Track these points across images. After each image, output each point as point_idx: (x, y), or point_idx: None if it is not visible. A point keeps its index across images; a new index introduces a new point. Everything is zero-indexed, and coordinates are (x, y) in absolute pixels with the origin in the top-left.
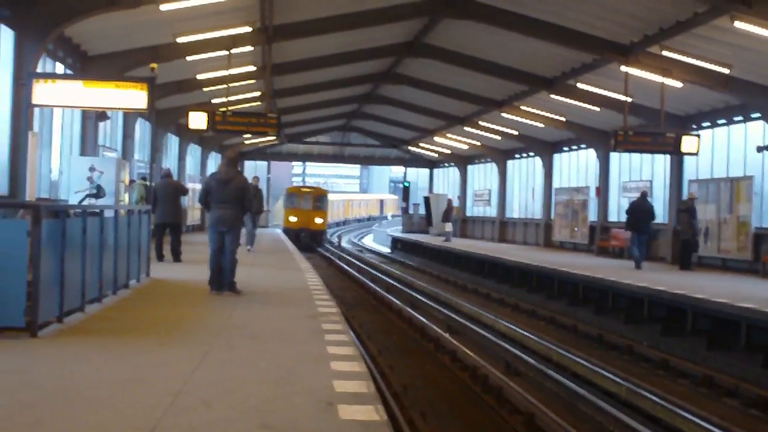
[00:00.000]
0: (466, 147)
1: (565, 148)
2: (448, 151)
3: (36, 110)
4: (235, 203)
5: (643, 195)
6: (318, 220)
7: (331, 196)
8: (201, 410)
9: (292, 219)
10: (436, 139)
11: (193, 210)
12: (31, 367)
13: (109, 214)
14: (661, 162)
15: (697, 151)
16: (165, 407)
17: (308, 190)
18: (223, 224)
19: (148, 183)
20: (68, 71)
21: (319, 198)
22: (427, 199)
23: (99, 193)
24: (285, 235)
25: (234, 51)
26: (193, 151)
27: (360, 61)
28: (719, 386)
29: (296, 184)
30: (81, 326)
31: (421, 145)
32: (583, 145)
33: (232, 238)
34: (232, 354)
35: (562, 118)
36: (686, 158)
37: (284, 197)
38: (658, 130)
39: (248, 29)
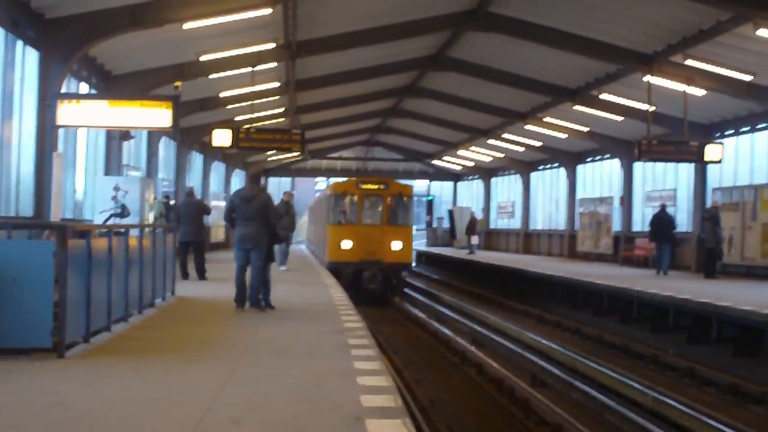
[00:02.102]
0: (489, 159)
1: (589, 159)
2: (472, 164)
3: (60, 130)
4: (259, 220)
5: (662, 207)
6: (396, 245)
7: None
8: (230, 428)
9: (345, 245)
10: (460, 152)
11: (216, 228)
12: (60, 388)
13: (134, 233)
14: (685, 171)
15: (721, 159)
16: (194, 425)
17: (377, 186)
18: (248, 241)
19: (168, 201)
20: (93, 91)
21: (398, 201)
22: (451, 213)
23: (123, 212)
24: (328, 271)
25: (257, 68)
26: (217, 168)
27: (383, 76)
28: (745, 394)
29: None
30: (108, 346)
31: (445, 158)
32: (606, 156)
33: (257, 255)
34: (259, 370)
35: (586, 129)
36: (710, 166)
37: (324, 202)
38: (681, 138)
39: (272, 45)
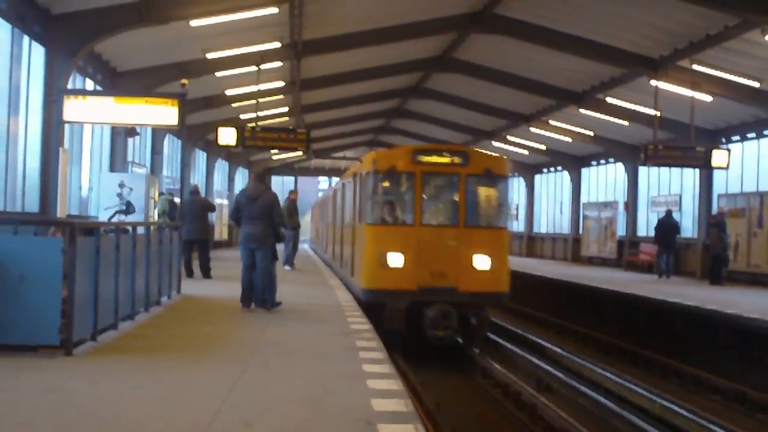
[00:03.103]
0: None
1: (594, 163)
2: None
3: (66, 126)
4: (264, 219)
5: (668, 212)
6: (482, 262)
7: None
8: (241, 430)
9: (393, 261)
10: None
11: (220, 226)
12: (69, 386)
13: (140, 230)
14: (691, 176)
15: (728, 165)
16: (204, 427)
17: (449, 159)
18: (253, 240)
19: (172, 198)
20: (98, 87)
21: (484, 185)
22: None
23: (129, 209)
24: (358, 302)
25: (263, 66)
26: (221, 166)
27: (388, 76)
28: (753, 402)
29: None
30: (115, 344)
31: None
32: (611, 160)
33: (262, 254)
34: (268, 372)
35: (591, 133)
36: (716, 172)
37: (353, 187)
38: (687, 144)
39: (277, 45)
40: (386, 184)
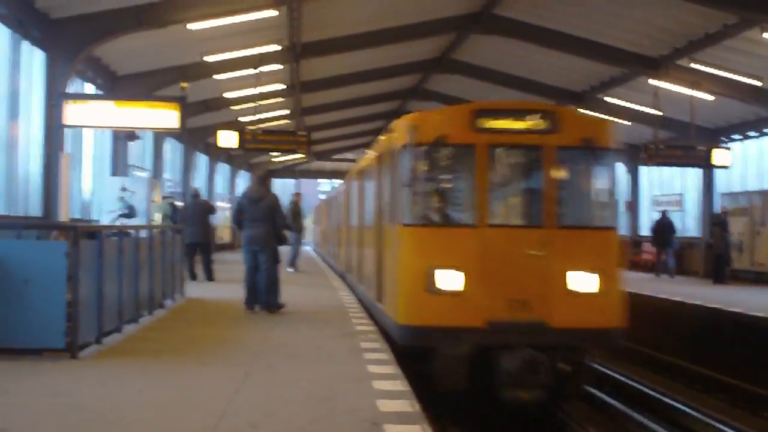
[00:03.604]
0: None
1: None
2: None
3: (67, 130)
4: (266, 221)
5: (664, 213)
6: (584, 283)
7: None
8: None
9: (446, 282)
10: None
11: (222, 229)
12: (75, 389)
13: (143, 234)
14: (693, 175)
15: (729, 164)
16: (211, 429)
17: (527, 124)
18: (256, 243)
19: (173, 202)
20: (98, 91)
21: (582, 164)
22: None
23: (131, 212)
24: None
25: (262, 69)
26: (222, 169)
27: (388, 78)
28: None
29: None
30: (119, 347)
31: None
32: None
33: (266, 256)
34: (273, 374)
35: None
36: (717, 171)
37: (378, 170)
38: (688, 143)
39: (276, 47)
40: (432, 162)
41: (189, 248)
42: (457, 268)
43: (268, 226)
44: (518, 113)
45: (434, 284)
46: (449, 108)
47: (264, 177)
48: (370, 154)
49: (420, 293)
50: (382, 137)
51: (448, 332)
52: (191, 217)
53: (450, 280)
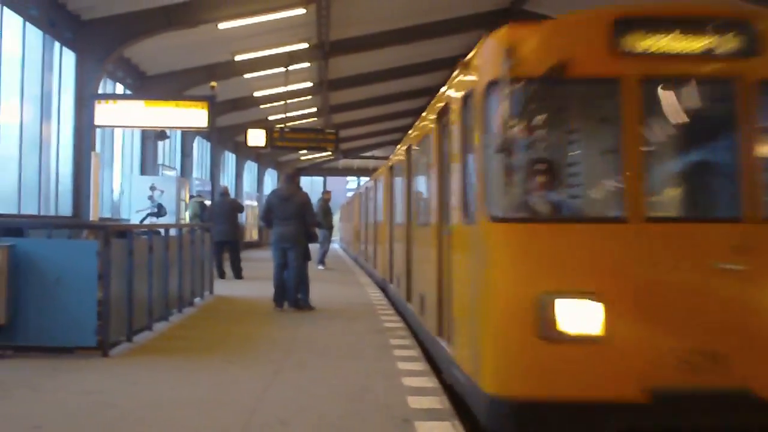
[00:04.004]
0: None
1: None
2: None
3: (97, 130)
4: (296, 219)
5: None
6: None
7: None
8: (278, 429)
9: (575, 318)
10: None
11: (250, 227)
12: (106, 387)
13: (173, 232)
14: None
15: None
16: (242, 426)
17: (707, 40)
18: (286, 241)
19: (203, 200)
20: (128, 91)
21: None
22: None
23: (160, 211)
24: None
25: (291, 67)
26: (250, 167)
27: (416, 75)
28: None
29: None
30: (150, 345)
31: None
32: None
33: (295, 254)
34: (303, 371)
35: None
36: None
37: (440, 136)
38: None
39: (305, 46)
40: (543, 110)
41: (217, 246)
42: (593, 295)
43: (297, 223)
44: (692, 24)
45: (552, 324)
46: (572, 16)
47: (293, 175)
48: (424, 118)
49: (526, 340)
50: (449, 84)
51: (579, 411)
52: (219, 216)
53: (580, 315)
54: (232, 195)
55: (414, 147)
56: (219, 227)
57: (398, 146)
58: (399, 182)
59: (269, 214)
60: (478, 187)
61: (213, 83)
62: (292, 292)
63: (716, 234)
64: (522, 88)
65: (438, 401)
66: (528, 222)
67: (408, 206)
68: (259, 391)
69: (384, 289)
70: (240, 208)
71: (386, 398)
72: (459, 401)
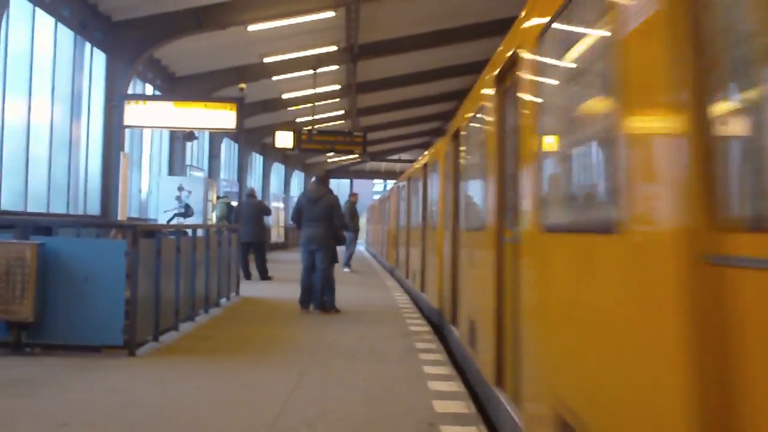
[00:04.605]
0: None
1: None
2: None
3: (126, 131)
4: (324, 221)
5: None
6: None
7: None
8: (303, 431)
9: None
10: None
11: (277, 228)
12: (133, 386)
13: (200, 233)
14: None
15: None
16: (268, 427)
17: None
18: (313, 242)
19: (229, 202)
20: (157, 92)
21: None
22: None
23: (187, 212)
24: None
25: (319, 70)
26: (277, 169)
27: (444, 79)
28: None
29: None
30: (176, 345)
31: None
32: None
33: (323, 256)
34: (328, 373)
35: None
36: None
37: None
38: None
39: (334, 48)
40: None
41: (243, 248)
42: None
43: (325, 226)
44: None
45: None
46: None
47: (323, 177)
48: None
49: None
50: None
51: None
52: (246, 217)
53: None
54: (259, 197)
55: (484, 109)
56: (245, 228)
57: (450, 129)
58: (463, 175)
59: (298, 215)
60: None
61: (242, 85)
62: (318, 294)
63: None
64: None
65: (464, 406)
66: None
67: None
68: (285, 392)
69: (439, 326)
70: (267, 211)
71: (412, 402)
72: (484, 406)
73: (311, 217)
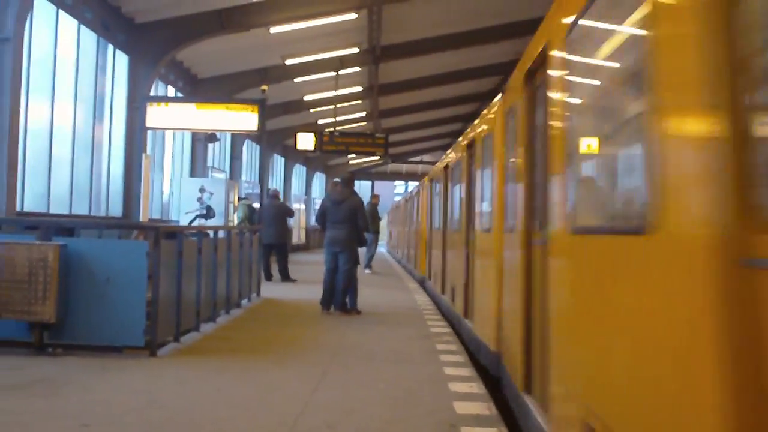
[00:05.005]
0: None
1: None
2: None
3: (148, 132)
4: (348, 223)
5: None
6: None
7: None
8: None
9: None
10: None
11: (298, 230)
12: (154, 386)
13: (221, 234)
14: None
15: None
16: (289, 428)
17: None
18: (337, 244)
19: (251, 203)
20: (179, 94)
21: None
22: None
23: (209, 213)
24: None
25: (341, 72)
26: (299, 171)
27: (466, 80)
28: None
29: None
30: (197, 346)
31: None
32: None
33: (346, 258)
34: (349, 374)
35: None
36: None
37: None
38: None
39: (356, 50)
40: None
41: (265, 249)
42: None
43: (349, 228)
44: None
45: None
46: None
47: (348, 179)
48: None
49: None
50: None
51: None
52: (268, 219)
53: None
54: (281, 198)
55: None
56: (268, 230)
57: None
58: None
59: (323, 217)
60: None
61: (264, 87)
62: (340, 295)
63: None
64: None
65: (485, 407)
66: None
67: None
68: (306, 393)
69: (495, 378)
70: (290, 212)
71: (433, 403)
72: (505, 407)
73: (335, 219)
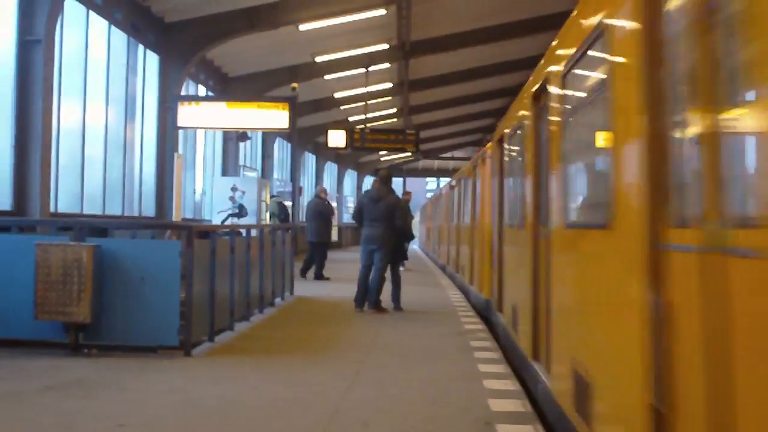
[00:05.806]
0: None
1: None
2: None
3: (180, 132)
4: (385, 222)
5: None
6: None
7: None
8: (360, 430)
9: None
10: None
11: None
12: (189, 386)
13: (254, 233)
14: None
15: None
16: (324, 427)
17: None
18: (372, 242)
19: (281, 201)
20: (210, 93)
21: None
22: None
23: (241, 212)
24: None
25: (371, 68)
26: (330, 168)
27: (496, 75)
28: None
29: None
30: (232, 345)
31: None
32: None
33: (381, 255)
34: (383, 372)
35: None
36: None
37: None
38: None
39: (385, 46)
40: None
41: (310, 246)
42: None
43: (386, 226)
44: None
45: None
46: None
47: (386, 177)
48: None
49: None
50: None
51: None
52: (311, 216)
53: None
54: (310, 196)
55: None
56: (308, 227)
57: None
58: None
59: (360, 215)
60: None
61: (294, 84)
62: (373, 293)
63: None
64: None
65: (520, 404)
66: None
67: None
68: (341, 392)
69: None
70: (330, 211)
71: (467, 401)
72: (540, 405)
73: (372, 216)
